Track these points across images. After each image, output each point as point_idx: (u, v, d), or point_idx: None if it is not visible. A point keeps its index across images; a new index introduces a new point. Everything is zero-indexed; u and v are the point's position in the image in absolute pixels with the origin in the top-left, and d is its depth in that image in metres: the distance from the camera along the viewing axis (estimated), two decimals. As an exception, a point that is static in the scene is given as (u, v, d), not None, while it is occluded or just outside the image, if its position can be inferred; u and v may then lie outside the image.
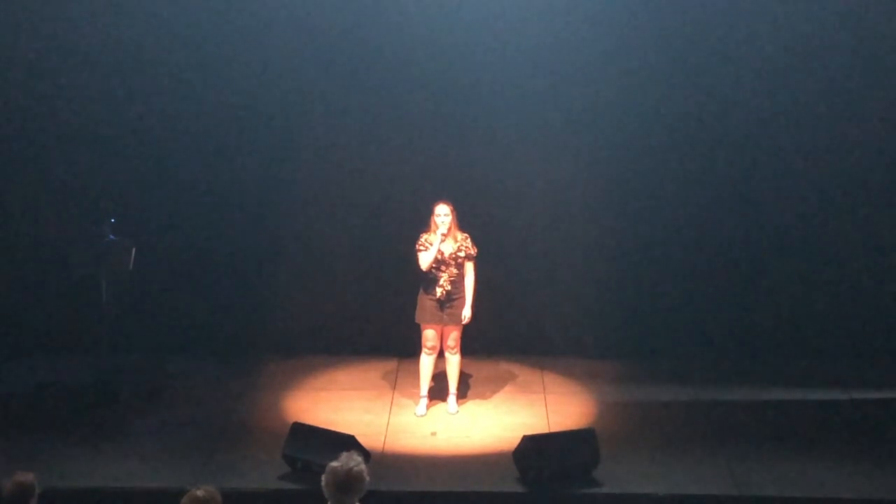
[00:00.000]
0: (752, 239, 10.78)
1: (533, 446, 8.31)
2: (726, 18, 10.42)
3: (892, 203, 10.64)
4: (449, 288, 9.29)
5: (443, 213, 9.25)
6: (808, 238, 10.72)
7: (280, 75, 10.60)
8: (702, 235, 10.75)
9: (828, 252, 10.72)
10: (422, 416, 9.51)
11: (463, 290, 9.35)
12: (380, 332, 10.80)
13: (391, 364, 10.59)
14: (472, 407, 9.76)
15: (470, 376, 10.20)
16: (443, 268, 9.29)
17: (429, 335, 9.45)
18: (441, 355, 9.55)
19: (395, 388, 10.12)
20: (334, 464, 5.32)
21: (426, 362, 9.51)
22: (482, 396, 9.96)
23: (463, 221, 9.43)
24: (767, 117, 10.58)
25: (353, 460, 5.33)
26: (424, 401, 9.57)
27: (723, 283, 10.83)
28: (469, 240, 9.37)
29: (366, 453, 7.76)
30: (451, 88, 10.59)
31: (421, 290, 9.40)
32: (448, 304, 9.32)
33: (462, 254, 9.32)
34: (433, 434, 9.22)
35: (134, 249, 9.64)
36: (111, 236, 9.67)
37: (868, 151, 10.58)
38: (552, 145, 10.70)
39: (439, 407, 9.63)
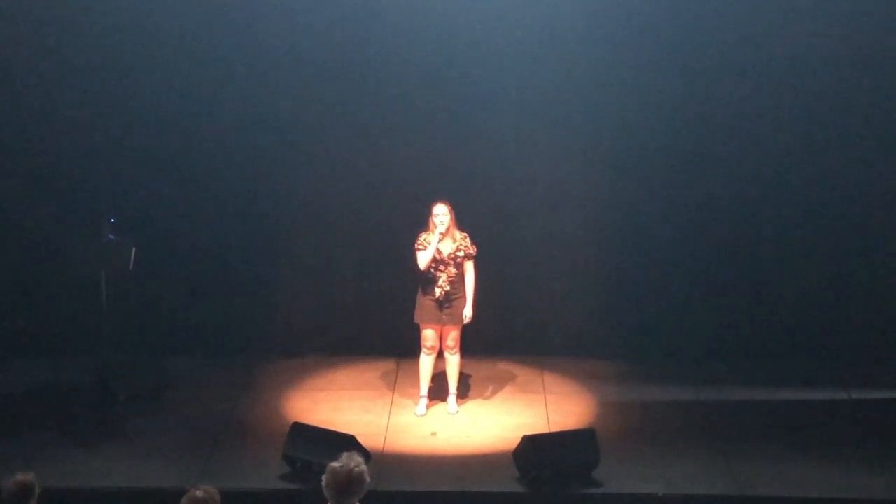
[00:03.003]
0: (752, 239, 10.78)
1: (533, 446, 8.31)
2: (729, 19, 10.40)
3: (892, 203, 10.64)
4: (448, 288, 9.28)
5: (441, 213, 9.24)
6: (809, 238, 10.71)
7: (280, 75, 10.59)
8: (702, 235, 10.75)
9: (828, 252, 10.71)
10: (422, 416, 9.51)
11: (462, 290, 9.35)
12: (380, 332, 10.79)
13: (391, 364, 10.58)
14: (472, 407, 9.76)
15: (470, 376, 10.20)
16: (441, 267, 9.28)
17: (428, 335, 9.45)
18: (441, 355, 9.55)
19: (394, 388, 10.12)
20: (334, 464, 5.32)
21: (426, 362, 9.50)
22: (482, 396, 9.96)
23: (462, 221, 9.43)
24: (769, 119, 10.57)
25: (353, 460, 5.32)
26: (424, 401, 9.56)
27: (723, 283, 10.82)
28: (468, 239, 9.36)
29: (366, 453, 7.76)
30: (451, 88, 10.59)
31: (420, 290, 9.39)
32: (447, 305, 9.32)
33: (461, 253, 9.32)
34: (433, 434, 9.22)
35: (134, 249, 9.64)
36: (111, 236, 9.66)
37: (868, 152, 10.57)
38: (552, 145, 10.69)
39: (439, 407, 9.63)
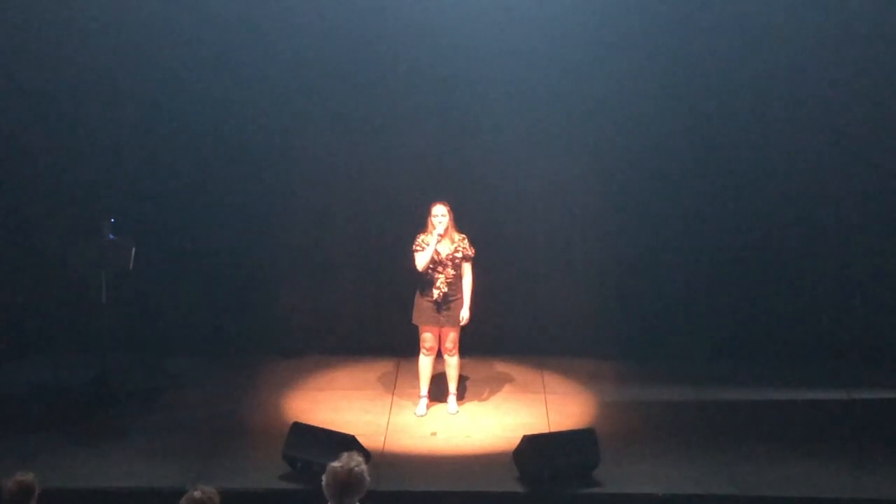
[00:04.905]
0: (752, 239, 10.79)
1: (533, 446, 8.31)
2: (727, 19, 10.42)
3: (892, 204, 10.64)
4: (446, 290, 9.26)
5: (440, 214, 9.22)
6: (808, 238, 10.72)
7: (280, 76, 10.60)
8: (702, 235, 10.76)
9: (828, 252, 10.71)
10: (422, 416, 9.50)
11: (460, 292, 9.33)
12: (379, 333, 10.81)
13: (391, 364, 10.59)
14: (472, 407, 9.76)
15: (469, 376, 10.20)
16: (440, 269, 9.26)
17: (426, 337, 9.43)
18: (440, 356, 9.54)
19: (394, 388, 10.12)
20: (335, 464, 5.33)
21: (425, 363, 9.49)
22: (482, 396, 9.96)
23: (462, 222, 9.42)
24: (768, 118, 10.59)
25: (353, 460, 5.33)
26: (424, 401, 9.56)
27: (723, 284, 10.83)
28: (466, 241, 9.34)
29: (366, 453, 7.75)
30: (450, 88, 10.60)
31: (418, 292, 9.37)
32: (445, 306, 9.30)
33: (459, 255, 9.30)
34: (433, 434, 9.22)
35: (134, 249, 9.64)
36: (111, 236, 9.66)
37: (868, 152, 10.58)
38: (552, 145, 10.70)
39: (439, 407, 9.63)
